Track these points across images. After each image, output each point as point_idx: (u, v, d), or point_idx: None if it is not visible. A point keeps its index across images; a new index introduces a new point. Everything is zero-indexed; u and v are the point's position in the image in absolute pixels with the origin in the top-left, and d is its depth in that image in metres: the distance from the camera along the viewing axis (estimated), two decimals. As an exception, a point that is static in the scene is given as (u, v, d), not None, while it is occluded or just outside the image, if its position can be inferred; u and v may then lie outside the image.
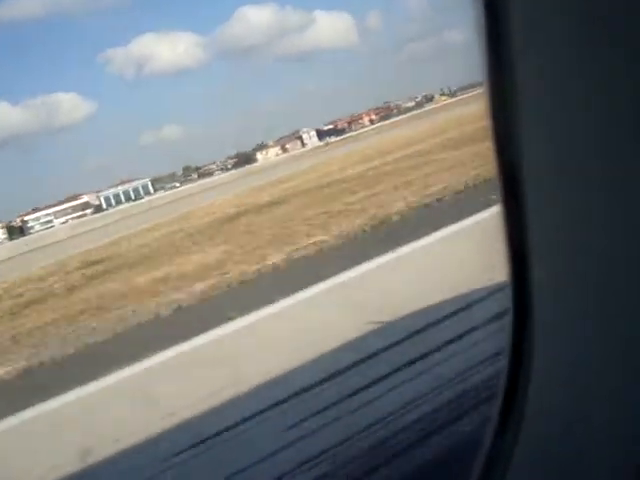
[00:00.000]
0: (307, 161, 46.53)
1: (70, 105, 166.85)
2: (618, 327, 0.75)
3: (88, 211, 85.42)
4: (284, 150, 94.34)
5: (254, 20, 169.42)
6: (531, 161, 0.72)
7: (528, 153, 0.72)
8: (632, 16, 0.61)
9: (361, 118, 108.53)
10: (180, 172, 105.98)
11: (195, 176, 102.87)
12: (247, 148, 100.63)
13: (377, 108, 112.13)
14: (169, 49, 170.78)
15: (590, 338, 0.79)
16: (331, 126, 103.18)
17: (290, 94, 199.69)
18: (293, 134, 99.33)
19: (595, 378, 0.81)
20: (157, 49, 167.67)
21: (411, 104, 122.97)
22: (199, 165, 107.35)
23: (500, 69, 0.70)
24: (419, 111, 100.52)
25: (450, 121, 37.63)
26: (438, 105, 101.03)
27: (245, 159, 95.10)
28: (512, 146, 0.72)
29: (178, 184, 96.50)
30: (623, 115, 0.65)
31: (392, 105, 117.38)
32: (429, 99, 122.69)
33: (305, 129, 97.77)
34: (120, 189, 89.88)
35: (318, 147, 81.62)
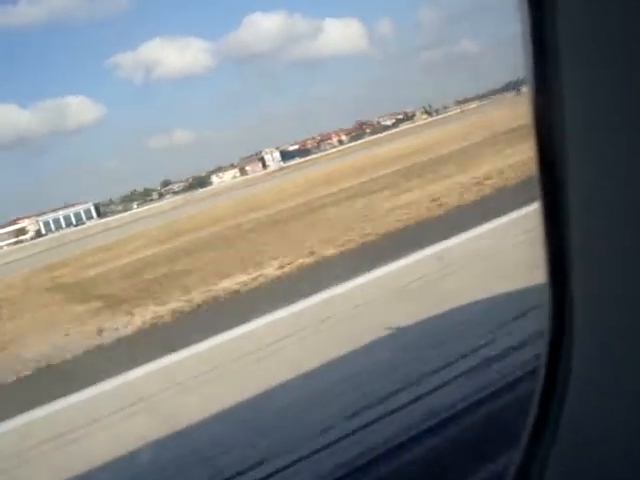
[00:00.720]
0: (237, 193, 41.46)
1: (79, 108, 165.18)
2: None
3: (27, 236, 78.61)
4: (243, 172, 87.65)
5: (263, 27, 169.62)
6: (574, 164, 0.72)
7: (572, 157, 0.72)
8: None
9: (330, 138, 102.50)
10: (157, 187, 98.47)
11: (156, 196, 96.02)
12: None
13: (352, 126, 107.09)
14: (177, 54, 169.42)
15: (630, 352, 0.76)
16: (297, 146, 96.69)
17: (302, 101, 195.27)
18: (256, 154, 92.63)
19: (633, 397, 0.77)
20: (165, 54, 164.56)
21: (390, 122, 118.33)
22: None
23: (545, 73, 0.71)
24: (394, 130, 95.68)
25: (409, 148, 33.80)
26: (414, 125, 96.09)
27: (199, 182, 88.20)
28: (555, 148, 0.73)
29: (136, 205, 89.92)
30: None
31: (365, 124, 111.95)
32: (410, 117, 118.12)
33: (268, 149, 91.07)
34: (61, 214, 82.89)
35: (280, 169, 75.98)
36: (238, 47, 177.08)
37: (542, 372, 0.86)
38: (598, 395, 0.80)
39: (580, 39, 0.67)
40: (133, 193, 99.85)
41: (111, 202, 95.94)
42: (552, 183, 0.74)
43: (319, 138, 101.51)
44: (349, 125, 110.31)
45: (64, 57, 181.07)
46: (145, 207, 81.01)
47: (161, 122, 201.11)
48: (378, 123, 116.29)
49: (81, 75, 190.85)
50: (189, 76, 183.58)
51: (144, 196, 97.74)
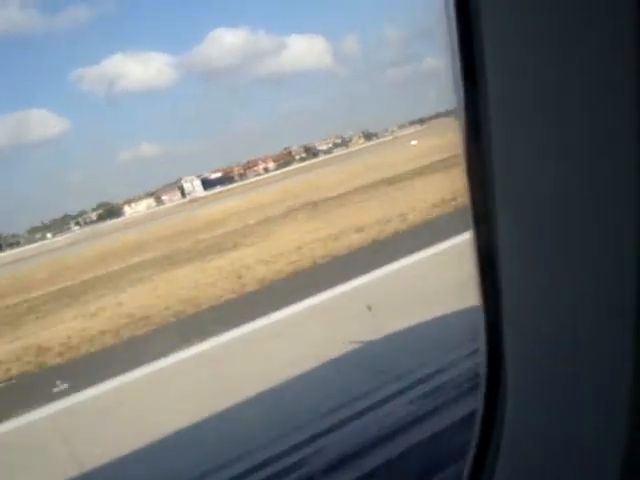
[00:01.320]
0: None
1: (43, 121, 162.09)
2: (585, 391, 0.76)
3: None
4: (159, 202, 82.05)
5: (227, 42, 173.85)
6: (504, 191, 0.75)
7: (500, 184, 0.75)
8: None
9: (257, 165, 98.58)
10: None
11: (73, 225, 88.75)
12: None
13: (279, 153, 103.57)
14: (141, 68, 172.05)
15: (560, 402, 0.80)
16: (219, 174, 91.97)
17: (266, 118, 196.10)
18: (175, 182, 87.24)
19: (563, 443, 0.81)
20: (129, 68, 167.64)
21: (326, 146, 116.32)
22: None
23: (471, 87, 0.73)
24: (326, 157, 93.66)
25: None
26: (347, 151, 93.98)
27: (109, 212, 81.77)
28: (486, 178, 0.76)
29: (50, 235, 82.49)
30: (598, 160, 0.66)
31: (293, 151, 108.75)
32: (346, 142, 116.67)
33: (188, 177, 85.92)
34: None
35: (197, 199, 71.18)
36: (201, 61, 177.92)
37: (482, 391, 0.90)
38: (535, 415, 0.84)
39: (505, 50, 0.70)
40: (65, 217, 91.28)
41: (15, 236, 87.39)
42: (482, 198, 0.76)
43: (245, 165, 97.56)
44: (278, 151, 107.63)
45: (25, 70, 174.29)
46: (54, 239, 74.15)
47: (125, 135, 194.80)
48: (313, 148, 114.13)
49: (44, 88, 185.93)
50: (152, 90, 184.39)
51: (62, 224, 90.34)
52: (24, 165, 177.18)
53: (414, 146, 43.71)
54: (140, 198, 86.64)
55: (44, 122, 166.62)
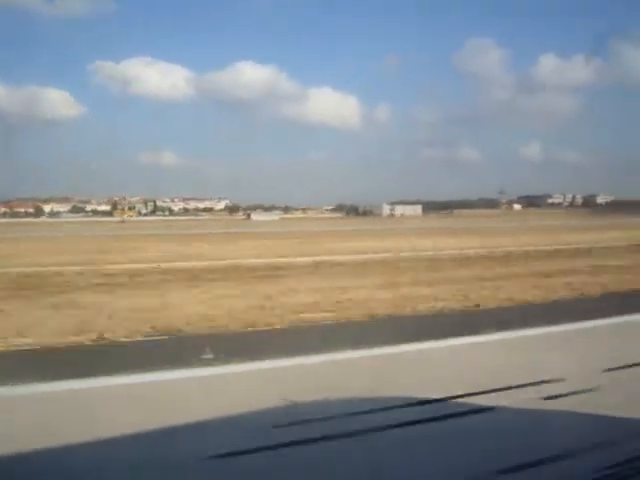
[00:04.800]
0: None
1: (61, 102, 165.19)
2: None
3: None
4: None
5: (249, 77, 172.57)
6: None
7: None
8: None
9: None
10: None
11: None
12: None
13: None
14: (158, 77, 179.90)
15: None
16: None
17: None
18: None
19: None
20: (146, 73, 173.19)
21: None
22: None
23: None
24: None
25: None
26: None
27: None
28: None
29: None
30: None
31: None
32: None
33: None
34: None
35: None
36: (220, 88, 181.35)
37: None
38: None
39: None
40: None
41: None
42: None
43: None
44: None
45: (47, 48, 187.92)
46: None
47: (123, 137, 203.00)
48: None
49: (61, 70, 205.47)
50: (165, 100, 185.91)
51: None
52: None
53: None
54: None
55: (59, 103, 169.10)
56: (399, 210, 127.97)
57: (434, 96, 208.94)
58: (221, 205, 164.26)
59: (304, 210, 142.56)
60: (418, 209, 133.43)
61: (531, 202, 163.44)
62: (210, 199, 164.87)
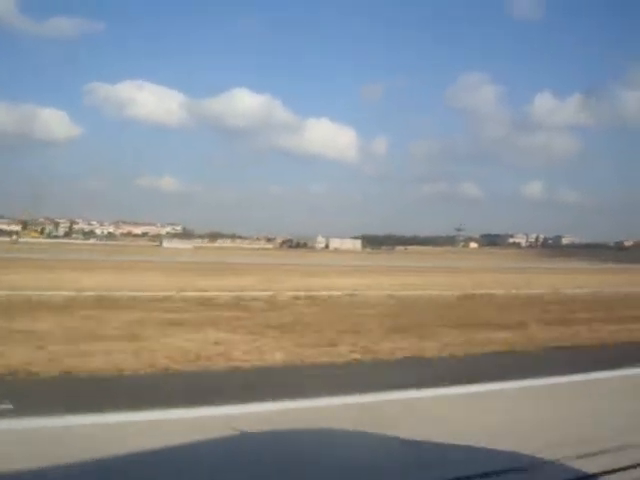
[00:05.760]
0: None
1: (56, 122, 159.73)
2: None
3: None
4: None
5: (246, 105, 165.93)
6: None
7: None
8: None
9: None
10: None
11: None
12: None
13: None
14: (153, 101, 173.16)
15: None
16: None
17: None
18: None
19: None
20: (142, 96, 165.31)
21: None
22: None
23: None
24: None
25: None
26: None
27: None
28: None
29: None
30: None
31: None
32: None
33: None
34: None
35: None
36: (215, 114, 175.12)
37: None
38: None
39: None
40: None
41: None
42: None
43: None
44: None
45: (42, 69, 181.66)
46: None
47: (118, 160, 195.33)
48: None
49: (55, 90, 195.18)
50: (159, 125, 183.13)
51: None
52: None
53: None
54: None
55: (54, 123, 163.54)
56: (334, 243, 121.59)
57: (412, 128, 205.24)
58: (164, 230, 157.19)
59: (238, 239, 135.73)
60: (357, 243, 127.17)
61: (492, 241, 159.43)
62: (157, 224, 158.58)
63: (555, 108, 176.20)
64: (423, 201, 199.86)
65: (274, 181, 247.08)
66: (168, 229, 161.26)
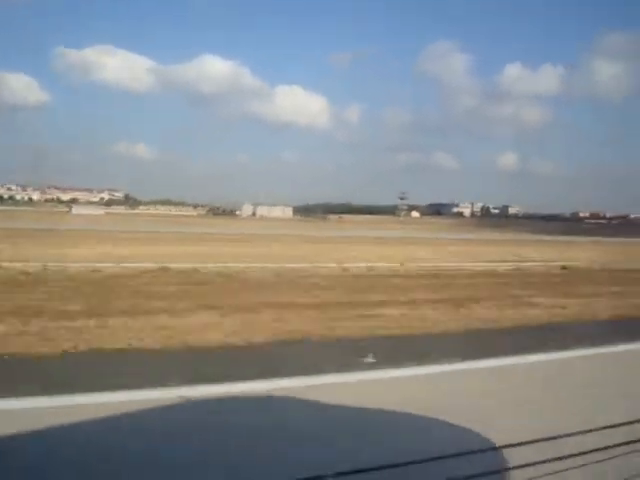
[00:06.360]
0: None
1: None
2: None
3: None
4: None
5: (216, 71, 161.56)
6: None
7: None
8: None
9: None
10: None
11: None
12: None
13: None
14: (122, 67, 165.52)
15: None
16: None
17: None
18: None
19: None
20: (110, 62, 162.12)
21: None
22: None
23: None
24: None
25: None
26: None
27: None
28: None
29: None
30: None
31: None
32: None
33: None
34: None
35: None
36: (185, 81, 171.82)
37: None
38: None
39: None
40: None
41: None
42: None
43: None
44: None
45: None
46: None
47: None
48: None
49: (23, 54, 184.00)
50: (128, 91, 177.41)
51: None
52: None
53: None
54: None
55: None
56: (262, 211, 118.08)
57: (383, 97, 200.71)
58: (101, 196, 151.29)
59: (175, 207, 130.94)
60: (288, 211, 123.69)
61: (437, 210, 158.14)
62: (94, 191, 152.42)
63: (525, 78, 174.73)
64: (386, 171, 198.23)
65: (243, 149, 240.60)
66: (104, 195, 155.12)
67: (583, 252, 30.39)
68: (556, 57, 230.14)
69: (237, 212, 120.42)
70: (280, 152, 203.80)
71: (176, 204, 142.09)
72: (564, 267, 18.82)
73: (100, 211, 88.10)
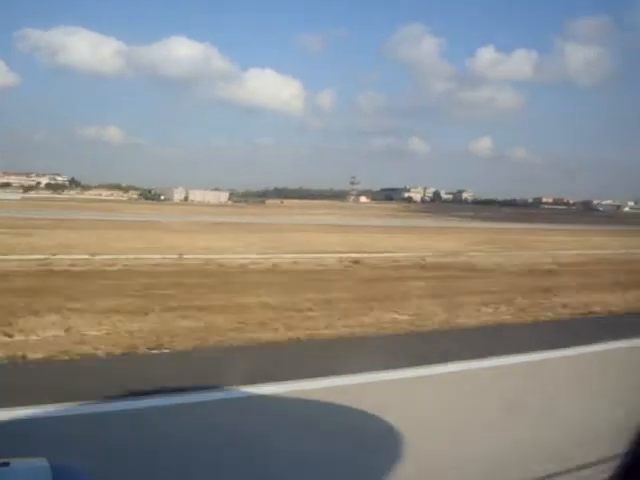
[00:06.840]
0: None
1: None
2: None
3: None
4: None
5: (185, 53, 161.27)
6: None
7: None
8: None
9: None
10: None
11: None
12: None
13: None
14: (89, 47, 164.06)
15: None
16: None
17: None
18: None
19: None
20: (76, 43, 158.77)
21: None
22: None
23: None
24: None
25: None
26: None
27: None
28: None
29: None
30: None
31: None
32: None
33: None
34: None
35: None
36: (152, 64, 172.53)
37: None
38: None
39: None
40: None
41: None
42: None
43: None
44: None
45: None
46: None
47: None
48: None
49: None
50: (94, 73, 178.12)
51: None
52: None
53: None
54: None
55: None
56: (194, 196, 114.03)
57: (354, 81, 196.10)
58: (39, 180, 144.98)
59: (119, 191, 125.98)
60: (223, 196, 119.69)
61: (388, 195, 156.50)
62: (32, 174, 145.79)
63: (497, 62, 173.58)
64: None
65: (213, 134, 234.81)
66: (45, 179, 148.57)
67: (447, 242, 28.03)
68: (529, 42, 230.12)
69: (162, 197, 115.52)
70: (252, 137, 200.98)
71: (125, 189, 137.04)
72: (356, 261, 15.99)
73: (17, 196, 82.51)
